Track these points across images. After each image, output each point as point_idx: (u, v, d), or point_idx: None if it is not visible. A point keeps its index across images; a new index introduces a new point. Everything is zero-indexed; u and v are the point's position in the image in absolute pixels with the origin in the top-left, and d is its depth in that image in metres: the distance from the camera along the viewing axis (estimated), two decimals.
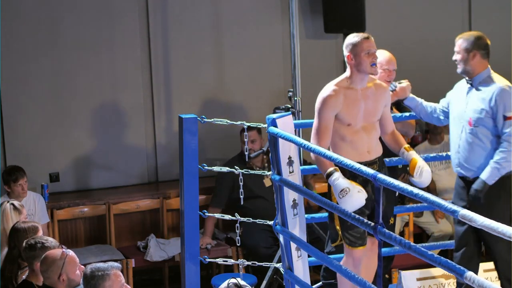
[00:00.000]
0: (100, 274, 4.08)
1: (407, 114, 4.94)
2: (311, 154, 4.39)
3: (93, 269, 4.12)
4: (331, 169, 4.34)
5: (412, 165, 4.58)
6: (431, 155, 5.69)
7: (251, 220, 5.11)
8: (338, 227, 4.53)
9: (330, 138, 4.49)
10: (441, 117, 5.17)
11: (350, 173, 4.27)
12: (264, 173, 5.23)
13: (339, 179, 4.28)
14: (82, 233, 7.20)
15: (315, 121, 4.50)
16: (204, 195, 7.05)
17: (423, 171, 4.58)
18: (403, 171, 7.37)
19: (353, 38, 4.54)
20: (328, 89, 4.53)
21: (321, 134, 4.45)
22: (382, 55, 5.18)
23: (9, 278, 4.89)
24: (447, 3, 8.50)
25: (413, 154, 4.65)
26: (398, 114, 4.92)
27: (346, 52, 4.55)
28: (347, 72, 4.57)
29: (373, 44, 4.53)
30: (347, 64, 4.56)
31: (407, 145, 4.71)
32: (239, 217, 4.97)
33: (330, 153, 4.06)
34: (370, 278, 4.60)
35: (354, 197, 4.23)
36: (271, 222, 4.82)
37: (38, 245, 4.57)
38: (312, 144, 4.35)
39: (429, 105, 5.21)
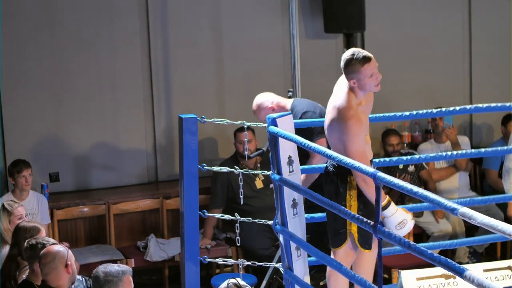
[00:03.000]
0: (115, 280, 4.07)
1: (407, 113, 4.92)
2: (361, 180, 4.33)
3: (106, 273, 4.10)
4: (386, 201, 4.33)
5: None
6: (436, 154, 5.68)
7: (251, 220, 5.10)
8: (352, 228, 4.53)
9: None
10: None
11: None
12: (264, 172, 5.22)
13: (395, 213, 4.34)
14: (82, 233, 7.20)
15: (351, 150, 4.35)
16: (204, 195, 7.05)
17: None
18: (404, 172, 7.40)
19: (353, 64, 4.37)
20: (351, 115, 4.39)
21: (363, 159, 4.24)
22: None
23: (8, 276, 4.89)
24: (447, 3, 8.50)
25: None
26: (399, 113, 4.90)
27: (348, 76, 4.41)
28: (350, 89, 4.44)
29: (375, 64, 4.40)
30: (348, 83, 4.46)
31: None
32: (239, 217, 4.97)
33: (330, 152, 4.06)
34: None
35: (409, 225, 4.38)
36: (270, 222, 4.82)
37: (39, 246, 4.56)
38: (316, 145, 4.30)
39: None
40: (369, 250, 4.61)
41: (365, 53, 4.40)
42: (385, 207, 4.34)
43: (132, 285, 4.15)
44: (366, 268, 4.71)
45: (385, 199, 4.33)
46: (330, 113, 4.52)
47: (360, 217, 3.73)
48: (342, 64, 4.44)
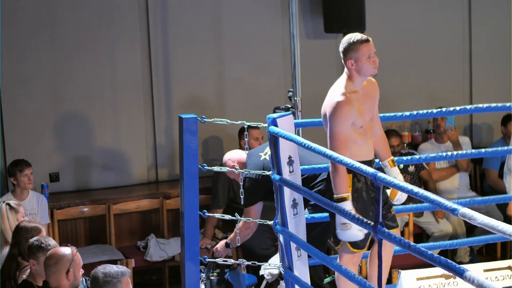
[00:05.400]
0: (114, 281, 4.07)
1: (407, 113, 4.92)
2: (330, 167, 4.29)
3: (106, 274, 4.09)
4: (344, 195, 4.25)
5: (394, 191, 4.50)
6: (436, 154, 5.67)
7: (251, 220, 5.10)
8: None
9: None
10: None
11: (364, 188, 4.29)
12: (265, 172, 5.22)
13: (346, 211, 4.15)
14: (82, 233, 7.20)
15: (333, 131, 4.27)
16: (204, 195, 7.05)
17: (402, 197, 4.54)
18: (404, 172, 7.40)
19: (351, 43, 4.35)
20: (341, 97, 4.30)
21: (344, 146, 4.25)
22: None
23: (8, 275, 4.89)
24: (447, 3, 8.50)
25: (395, 172, 4.58)
26: (399, 113, 4.90)
27: (346, 58, 4.36)
28: (346, 76, 4.39)
29: (372, 46, 4.38)
30: (346, 68, 4.40)
31: (392, 158, 4.63)
32: (239, 217, 4.97)
33: (331, 152, 4.04)
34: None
35: (352, 234, 4.25)
36: (270, 222, 4.82)
37: (40, 245, 4.56)
38: (315, 145, 4.25)
39: None
40: (354, 248, 4.44)
41: (363, 35, 4.42)
42: (340, 200, 4.21)
43: (131, 286, 4.15)
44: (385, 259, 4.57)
45: (345, 192, 4.23)
46: (323, 107, 4.42)
47: (360, 217, 3.72)
48: (341, 48, 4.40)
